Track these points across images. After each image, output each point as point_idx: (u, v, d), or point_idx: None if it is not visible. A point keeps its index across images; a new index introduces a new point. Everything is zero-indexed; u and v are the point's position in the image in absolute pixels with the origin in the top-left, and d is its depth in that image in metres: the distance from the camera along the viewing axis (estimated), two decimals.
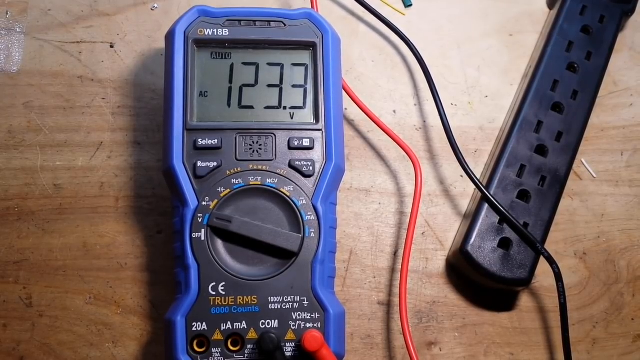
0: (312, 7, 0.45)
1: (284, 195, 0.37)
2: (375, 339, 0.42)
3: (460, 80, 0.49)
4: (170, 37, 0.40)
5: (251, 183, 0.37)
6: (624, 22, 0.51)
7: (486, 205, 0.43)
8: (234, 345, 0.35)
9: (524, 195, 0.44)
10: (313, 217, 0.37)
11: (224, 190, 0.37)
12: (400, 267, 0.43)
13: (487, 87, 0.49)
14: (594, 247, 0.46)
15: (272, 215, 0.37)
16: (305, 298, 0.36)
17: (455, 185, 0.46)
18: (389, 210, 0.45)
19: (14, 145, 0.44)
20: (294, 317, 0.36)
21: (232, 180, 0.37)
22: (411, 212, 0.42)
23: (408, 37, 0.48)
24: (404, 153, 0.46)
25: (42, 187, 0.43)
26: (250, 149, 0.38)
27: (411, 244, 0.41)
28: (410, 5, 0.51)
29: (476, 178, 0.43)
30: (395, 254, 0.44)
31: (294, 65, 0.40)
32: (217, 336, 0.35)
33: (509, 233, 0.42)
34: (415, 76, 0.49)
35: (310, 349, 0.34)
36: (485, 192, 0.43)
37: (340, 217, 0.44)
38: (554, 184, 0.44)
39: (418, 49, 0.47)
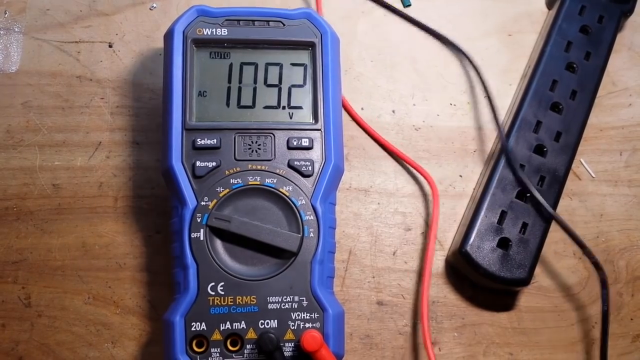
0: (317, 6, 0.46)
1: (283, 195, 0.37)
2: (375, 339, 0.42)
3: (459, 80, 0.49)
4: (168, 36, 0.40)
5: (250, 183, 0.37)
6: (622, 22, 0.51)
7: (485, 205, 0.43)
8: (233, 345, 0.35)
9: (523, 195, 0.44)
10: (312, 217, 0.37)
11: (223, 190, 0.37)
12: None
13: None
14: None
15: (271, 215, 0.37)
16: (304, 298, 0.36)
17: (455, 185, 0.46)
18: (387, 210, 0.45)
19: (13, 145, 0.44)
20: (293, 317, 0.36)
21: (231, 180, 0.37)
22: (429, 236, 0.43)
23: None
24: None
25: (41, 187, 0.43)
26: (249, 148, 0.38)
27: (430, 272, 0.42)
28: (409, 5, 0.51)
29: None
30: (394, 254, 0.44)
31: (293, 65, 0.40)
32: (216, 336, 0.35)
33: (507, 233, 0.42)
34: (414, 76, 0.49)
35: (310, 349, 0.34)
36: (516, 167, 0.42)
37: (339, 217, 0.44)
38: (553, 184, 0.44)
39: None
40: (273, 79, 0.40)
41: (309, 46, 0.40)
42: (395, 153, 0.46)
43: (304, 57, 0.41)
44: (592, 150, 0.48)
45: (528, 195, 0.43)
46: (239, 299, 0.36)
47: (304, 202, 0.37)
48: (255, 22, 0.40)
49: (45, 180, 0.43)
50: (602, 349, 0.41)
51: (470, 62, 0.48)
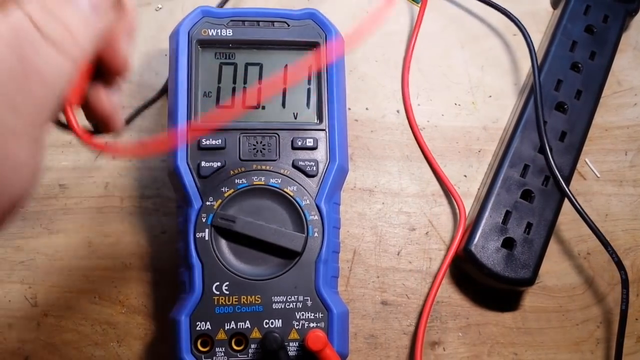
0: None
1: (288, 195, 0.38)
2: (379, 338, 0.42)
3: (463, 80, 0.49)
4: (174, 37, 0.40)
5: (255, 183, 0.38)
6: (627, 21, 0.51)
7: (490, 205, 0.43)
8: (237, 344, 0.35)
9: (527, 195, 0.44)
10: (316, 217, 0.37)
11: (227, 190, 0.37)
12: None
13: (490, 87, 0.49)
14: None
15: (276, 215, 0.37)
16: (308, 298, 0.36)
17: (459, 185, 0.46)
18: (392, 210, 0.45)
19: None
20: (298, 317, 0.36)
21: (236, 180, 0.37)
22: (445, 257, 0.43)
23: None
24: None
25: (48, 187, 0.43)
26: (254, 149, 0.38)
27: (441, 281, 0.43)
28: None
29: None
30: (398, 254, 0.44)
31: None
32: (221, 335, 0.35)
33: (512, 233, 0.42)
34: (418, 75, 0.49)
35: (314, 348, 0.34)
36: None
37: (343, 217, 0.44)
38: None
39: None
40: (278, 79, 0.40)
41: (314, 46, 0.41)
42: (436, 170, 0.46)
43: (308, 57, 0.41)
44: (597, 150, 0.48)
45: (533, 195, 0.43)
46: (243, 298, 0.36)
47: (308, 202, 0.38)
48: (260, 23, 0.40)
49: (51, 180, 0.43)
50: (618, 348, 0.42)
51: (524, 33, 0.48)
